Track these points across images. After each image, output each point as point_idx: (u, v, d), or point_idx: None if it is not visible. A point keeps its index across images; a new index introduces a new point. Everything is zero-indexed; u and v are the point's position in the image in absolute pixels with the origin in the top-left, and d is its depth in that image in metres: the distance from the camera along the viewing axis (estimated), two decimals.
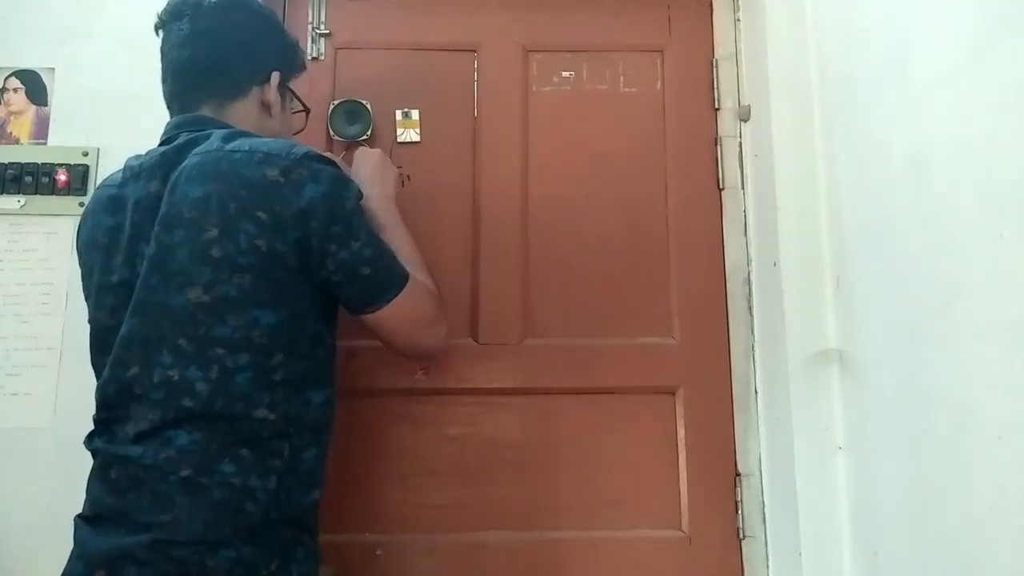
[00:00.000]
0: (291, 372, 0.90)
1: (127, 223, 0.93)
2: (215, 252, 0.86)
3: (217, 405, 0.85)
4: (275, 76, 1.07)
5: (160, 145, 0.99)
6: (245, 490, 0.84)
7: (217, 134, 0.94)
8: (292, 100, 1.15)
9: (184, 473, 0.82)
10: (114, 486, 0.85)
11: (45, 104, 1.35)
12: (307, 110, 1.19)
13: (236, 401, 0.86)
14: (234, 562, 0.82)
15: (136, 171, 0.96)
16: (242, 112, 1.03)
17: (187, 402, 0.84)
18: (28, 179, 1.31)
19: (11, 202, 1.31)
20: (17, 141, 1.34)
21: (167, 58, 1.03)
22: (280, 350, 0.89)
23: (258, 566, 0.83)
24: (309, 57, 1.42)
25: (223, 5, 1.03)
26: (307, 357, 0.93)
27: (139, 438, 0.85)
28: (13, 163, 1.31)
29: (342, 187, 0.94)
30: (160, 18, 1.03)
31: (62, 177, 1.31)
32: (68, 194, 1.30)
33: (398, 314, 0.98)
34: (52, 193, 1.31)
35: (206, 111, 1.01)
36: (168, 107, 1.04)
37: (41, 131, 1.35)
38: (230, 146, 0.91)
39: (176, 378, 0.85)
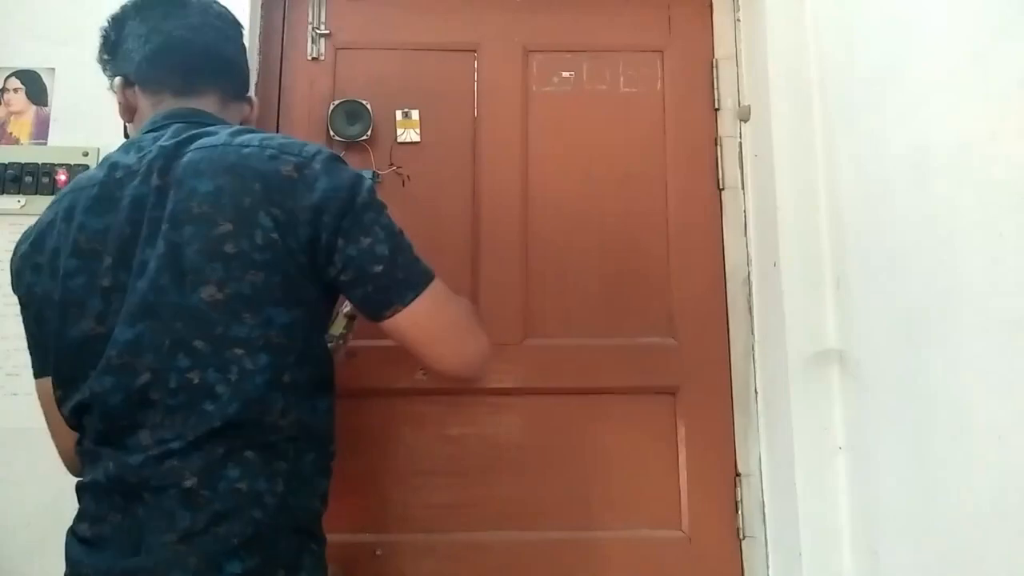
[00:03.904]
0: (299, 375, 0.86)
1: (123, 222, 0.85)
2: (229, 248, 0.81)
3: (232, 409, 0.80)
4: (255, 100, 1.07)
5: (148, 132, 0.92)
6: (252, 495, 0.80)
7: (224, 128, 0.90)
8: None
9: (187, 484, 0.78)
10: (115, 503, 0.81)
11: (45, 104, 1.35)
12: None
13: (252, 405, 0.81)
14: None
15: (131, 168, 0.88)
16: (239, 116, 1.03)
17: (208, 406, 0.80)
18: (28, 179, 1.31)
19: (11, 202, 1.30)
20: (17, 141, 1.34)
21: (169, 35, 0.95)
22: (293, 351, 0.85)
23: None
24: (309, 57, 1.42)
25: (227, 16, 1.01)
26: (314, 361, 0.89)
27: (148, 447, 0.81)
28: (13, 163, 1.31)
29: (355, 181, 0.88)
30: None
31: (62, 177, 1.31)
32: None
33: (421, 318, 0.89)
34: (52, 193, 1.30)
35: (209, 104, 0.97)
36: (154, 80, 0.95)
37: (41, 131, 1.34)
38: (238, 141, 0.87)
39: (196, 381, 0.80)
